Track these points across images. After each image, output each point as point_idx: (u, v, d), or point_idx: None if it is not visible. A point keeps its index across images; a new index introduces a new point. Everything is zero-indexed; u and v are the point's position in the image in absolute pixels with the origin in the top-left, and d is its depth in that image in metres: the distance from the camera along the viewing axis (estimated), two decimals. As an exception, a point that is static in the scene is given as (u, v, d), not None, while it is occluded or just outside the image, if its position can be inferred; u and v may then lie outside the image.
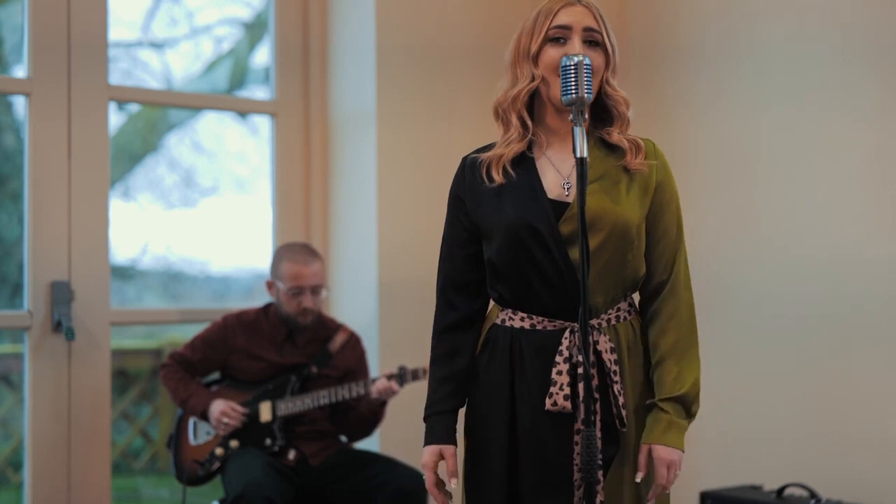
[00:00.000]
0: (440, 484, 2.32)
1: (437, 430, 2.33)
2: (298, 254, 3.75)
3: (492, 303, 2.39)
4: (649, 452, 2.25)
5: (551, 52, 2.26)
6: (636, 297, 2.38)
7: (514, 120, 2.30)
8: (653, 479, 2.26)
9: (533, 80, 2.28)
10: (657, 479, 2.24)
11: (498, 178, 2.28)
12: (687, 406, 2.26)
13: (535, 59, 2.28)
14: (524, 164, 2.30)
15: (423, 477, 2.32)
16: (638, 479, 2.26)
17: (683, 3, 4.27)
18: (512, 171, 2.28)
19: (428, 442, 2.33)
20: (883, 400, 3.60)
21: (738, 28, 4.07)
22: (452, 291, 2.37)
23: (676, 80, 4.23)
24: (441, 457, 2.31)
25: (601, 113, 2.32)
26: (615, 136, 2.29)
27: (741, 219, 4.03)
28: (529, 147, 2.32)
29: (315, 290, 3.71)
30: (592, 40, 2.27)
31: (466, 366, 2.35)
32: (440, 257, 2.41)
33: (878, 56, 3.65)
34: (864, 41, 3.69)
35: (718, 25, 4.15)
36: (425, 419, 2.36)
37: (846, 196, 3.73)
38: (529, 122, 2.30)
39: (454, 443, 2.33)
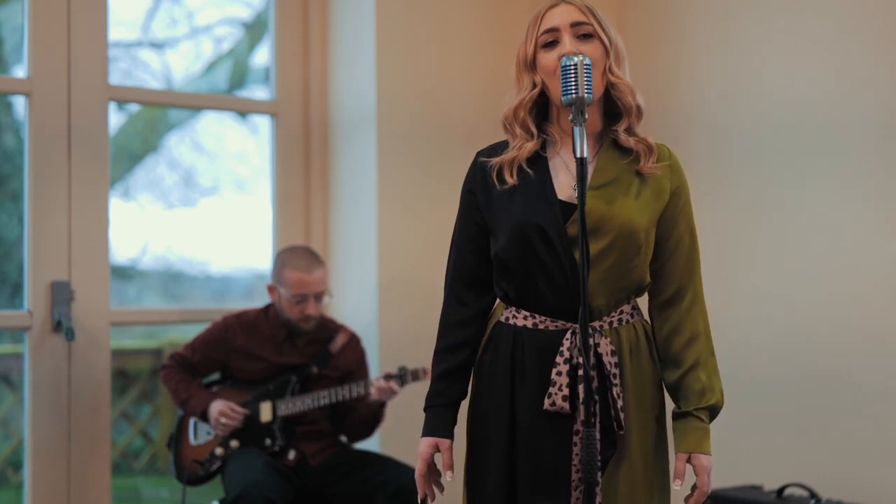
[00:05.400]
0: (430, 475, 2.34)
1: (435, 422, 2.35)
2: (302, 260, 3.73)
3: (497, 300, 2.39)
4: (687, 460, 2.28)
5: (546, 57, 2.27)
6: (640, 300, 2.38)
7: (519, 130, 2.31)
8: (669, 484, 2.32)
9: (534, 87, 2.29)
10: (701, 487, 2.28)
11: (511, 180, 2.28)
12: (716, 413, 2.31)
13: (533, 66, 2.29)
14: (537, 163, 2.30)
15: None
16: (678, 487, 2.28)
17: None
18: (527, 169, 2.28)
19: (425, 433, 2.35)
20: (883, 400, 3.61)
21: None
22: (461, 286, 2.38)
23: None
24: (437, 449, 2.33)
25: (614, 108, 2.32)
26: (623, 136, 2.29)
27: (741, 224, 4.04)
28: (544, 146, 2.32)
29: (318, 296, 3.71)
30: (584, 34, 2.27)
31: (467, 361, 2.36)
32: (450, 251, 2.42)
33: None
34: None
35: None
36: (425, 410, 2.38)
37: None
38: (534, 130, 2.30)
39: (450, 436, 2.35)
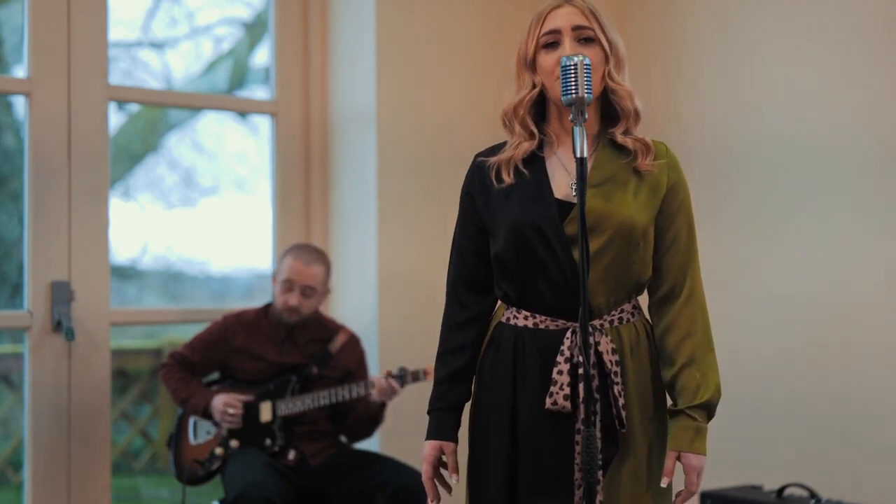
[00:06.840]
0: (437, 478, 2.35)
1: (438, 425, 2.35)
2: (304, 253, 3.78)
3: (499, 301, 2.39)
4: (677, 459, 2.26)
5: (546, 58, 2.27)
6: (641, 298, 2.37)
7: (518, 128, 2.31)
8: (659, 482, 2.29)
9: (533, 87, 2.30)
10: (689, 487, 2.26)
11: (508, 179, 2.29)
12: (711, 410, 2.29)
13: (533, 65, 2.30)
14: (534, 163, 2.30)
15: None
16: (664, 485, 2.27)
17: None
18: (523, 170, 2.29)
19: (429, 437, 2.36)
20: (883, 400, 3.60)
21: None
22: (462, 288, 2.38)
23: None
24: (441, 452, 2.34)
25: (610, 111, 2.32)
26: (620, 136, 2.29)
27: (740, 224, 4.04)
28: (540, 146, 2.32)
29: (306, 291, 3.71)
30: (585, 37, 2.27)
31: (469, 363, 2.37)
32: (451, 254, 2.42)
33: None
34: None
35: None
36: (428, 413, 2.38)
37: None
38: (534, 129, 2.30)
39: (454, 439, 2.35)
